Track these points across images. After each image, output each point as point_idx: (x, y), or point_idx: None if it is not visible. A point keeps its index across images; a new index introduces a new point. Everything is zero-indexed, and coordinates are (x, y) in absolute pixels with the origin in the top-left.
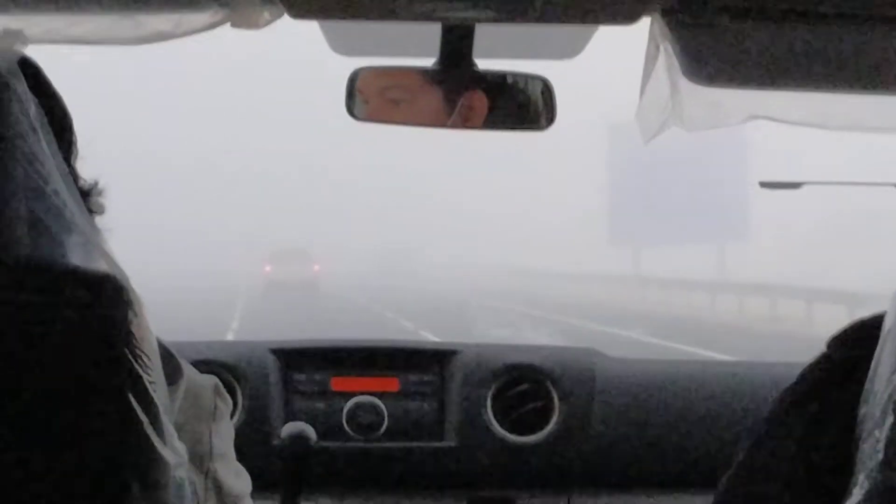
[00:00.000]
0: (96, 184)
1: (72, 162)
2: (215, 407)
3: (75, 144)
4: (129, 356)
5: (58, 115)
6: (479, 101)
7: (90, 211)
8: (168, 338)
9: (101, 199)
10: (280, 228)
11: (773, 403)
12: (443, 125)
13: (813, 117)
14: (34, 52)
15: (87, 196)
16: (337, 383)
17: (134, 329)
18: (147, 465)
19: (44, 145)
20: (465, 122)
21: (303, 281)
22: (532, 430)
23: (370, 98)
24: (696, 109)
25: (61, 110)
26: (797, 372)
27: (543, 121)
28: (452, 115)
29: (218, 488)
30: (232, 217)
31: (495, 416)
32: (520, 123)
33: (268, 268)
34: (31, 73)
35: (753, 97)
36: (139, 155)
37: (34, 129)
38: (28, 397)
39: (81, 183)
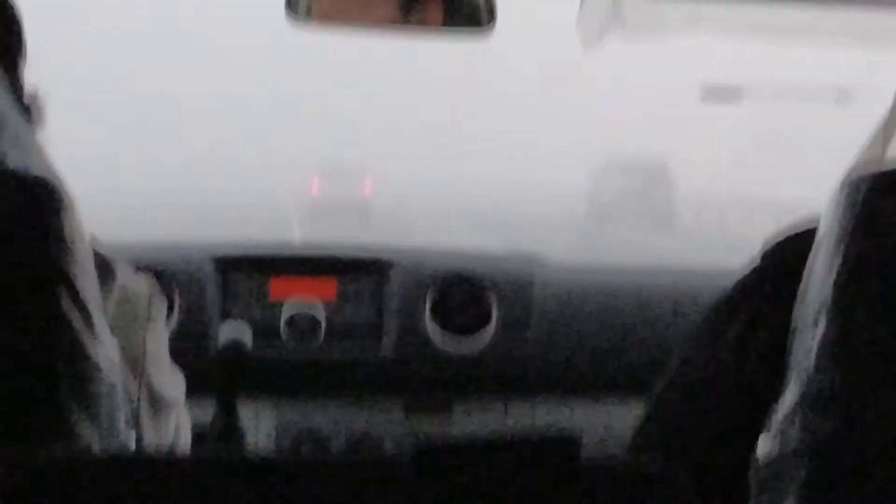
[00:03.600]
0: (36, 92)
1: (18, 65)
2: (150, 311)
3: (23, 47)
4: (62, 256)
5: (2, 15)
6: (435, 4)
7: (29, 119)
8: None
9: (41, 108)
10: (330, 148)
11: (710, 309)
12: (400, 25)
13: (752, 25)
14: None
15: (26, 105)
16: (275, 287)
17: (66, 229)
18: (78, 365)
19: None
20: (422, 23)
21: (354, 200)
22: (470, 337)
23: None
24: (637, 16)
25: (8, 9)
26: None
27: (484, 21)
28: (411, 16)
29: (152, 393)
30: (278, 139)
31: (433, 322)
32: (464, 23)
33: (315, 187)
34: None
35: (693, 4)
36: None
37: None
38: None
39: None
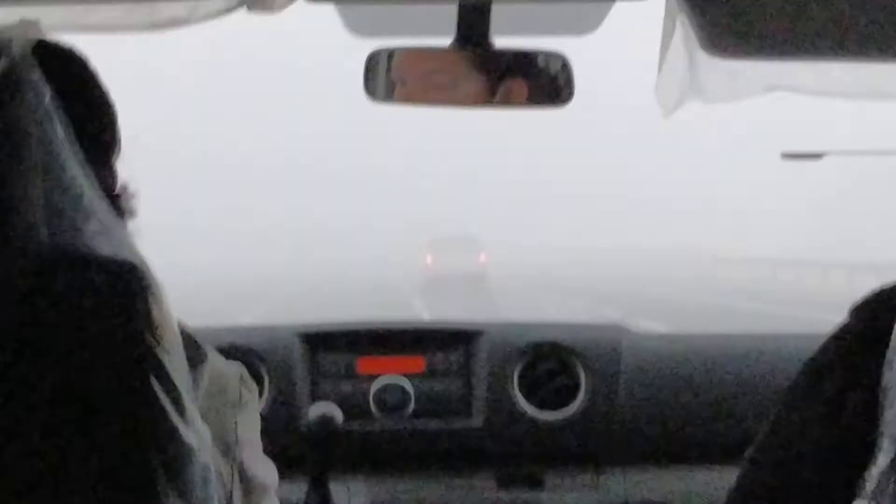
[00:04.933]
0: (127, 187)
1: (111, 158)
2: (241, 395)
3: (118, 140)
4: (150, 340)
5: (98, 109)
6: (519, 83)
7: (120, 214)
8: None
9: (132, 202)
10: (441, 216)
11: (799, 374)
12: (484, 106)
13: (832, 86)
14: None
15: (117, 198)
16: (363, 364)
17: (154, 313)
18: (170, 448)
19: (59, 132)
20: (506, 102)
21: (468, 273)
22: (559, 408)
23: (408, 80)
24: (715, 81)
25: (104, 105)
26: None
27: (564, 97)
28: (495, 97)
29: (245, 477)
30: (388, 204)
31: (522, 393)
32: (544, 101)
33: (429, 259)
34: (78, 65)
35: (773, 67)
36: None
37: (49, 117)
38: (49, 385)
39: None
